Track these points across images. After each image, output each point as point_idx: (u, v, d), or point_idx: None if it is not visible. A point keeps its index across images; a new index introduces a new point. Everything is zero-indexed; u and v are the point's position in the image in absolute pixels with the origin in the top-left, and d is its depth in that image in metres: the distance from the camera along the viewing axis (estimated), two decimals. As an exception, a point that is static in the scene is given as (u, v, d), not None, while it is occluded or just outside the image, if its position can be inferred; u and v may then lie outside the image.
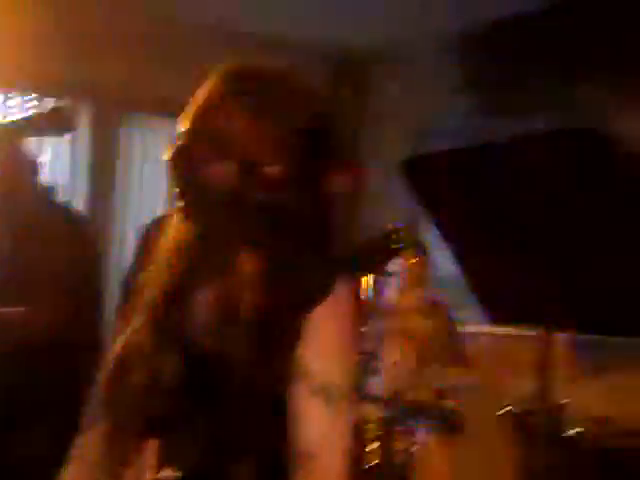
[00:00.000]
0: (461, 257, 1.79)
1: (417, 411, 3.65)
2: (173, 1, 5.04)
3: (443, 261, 2.05)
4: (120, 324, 2.43)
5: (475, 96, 5.37)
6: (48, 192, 3.23)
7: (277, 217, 1.58)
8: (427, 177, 1.68)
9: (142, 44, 5.15)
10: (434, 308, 3.39)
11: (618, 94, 4.57)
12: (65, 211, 3.31)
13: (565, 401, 2.39)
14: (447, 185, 1.67)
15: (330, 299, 1.57)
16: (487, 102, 5.32)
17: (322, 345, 1.58)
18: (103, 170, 5.37)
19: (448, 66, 5.48)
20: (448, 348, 3.41)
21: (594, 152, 1.41)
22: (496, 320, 1.92)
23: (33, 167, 3.09)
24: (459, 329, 3.52)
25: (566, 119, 4.80)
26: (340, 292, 1.58)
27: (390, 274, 3.09)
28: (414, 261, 3.22)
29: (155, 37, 5.18)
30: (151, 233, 3.39)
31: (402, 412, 3.45)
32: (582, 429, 2.41)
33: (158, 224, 3.24)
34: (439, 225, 1.77)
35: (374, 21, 5.22)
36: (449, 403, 3.67)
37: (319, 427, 1.60)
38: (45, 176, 3.47)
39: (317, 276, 1.58)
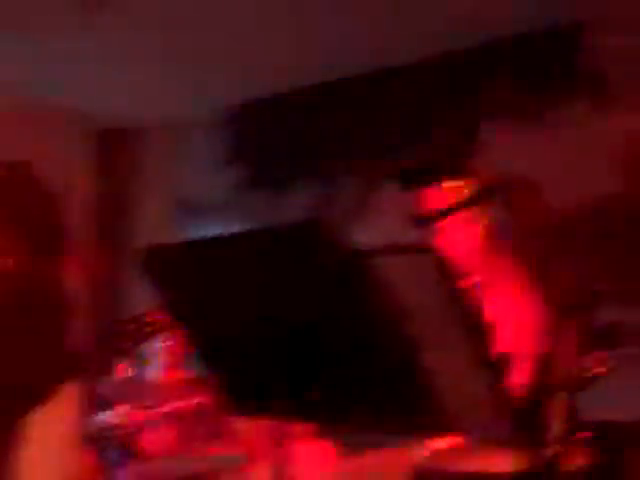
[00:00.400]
0: (199, 347, 1.78)
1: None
2: None
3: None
4: None
5: (242, 170, 5.43)
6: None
7: (9, 308, 1.52)
8: (163, 268, 1.66)
9: None
10: (196, 385, 3.35)
11: (375, 179, 4.77)
12: None
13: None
14: (182, 277, 1.66)
15: (57, 400, 1.50)
16: (254, 176, 5.40)
17: (43, 448, 1.51)
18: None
19: (216, 140, 5.52)
20: (213, 424, 3.37)
21: (320, 245, 1.43)
22: (237, 411, 1.90)
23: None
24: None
25: (326, 196, 4.99)
26: (68, 394, 1.53)
27: (148, 355, 3.04)
28: (171, 342, 3.19)
29: None
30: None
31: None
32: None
33: None
34: (177, 315, 1.75)
35: (146, 92, 5.19)
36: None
37: None
38: None
39: (45, 374, 1.52)
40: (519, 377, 2.21)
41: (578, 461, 1.89)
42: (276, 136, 5.30)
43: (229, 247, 1.60)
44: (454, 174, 2.40)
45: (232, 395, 1.80)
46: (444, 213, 2.36)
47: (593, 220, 3.90)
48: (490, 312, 2.38)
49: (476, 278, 2.39)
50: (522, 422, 1.49)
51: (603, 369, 2.16)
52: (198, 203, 5.47)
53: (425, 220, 2.41)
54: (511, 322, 2.36)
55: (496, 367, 1.50)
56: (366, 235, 4.62)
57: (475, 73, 4.56)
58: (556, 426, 1.68)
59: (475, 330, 1.41)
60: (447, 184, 2.39)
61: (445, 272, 1.35)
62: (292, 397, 1.67)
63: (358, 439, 2.03)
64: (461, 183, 2.39)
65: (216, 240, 1.63)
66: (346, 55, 4.60)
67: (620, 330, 1.98)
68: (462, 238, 2.38)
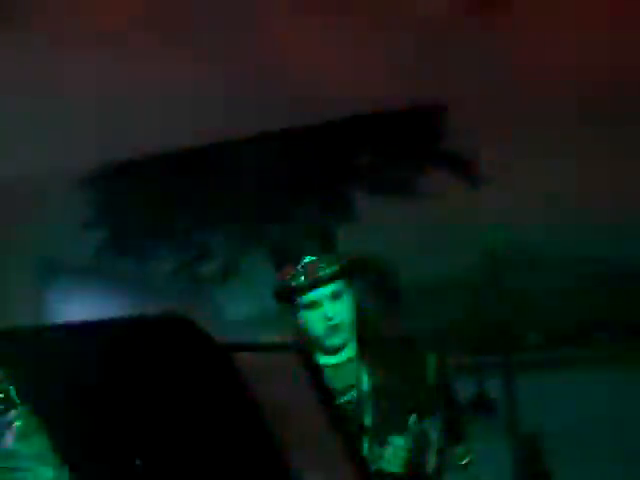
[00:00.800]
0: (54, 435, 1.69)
1: None
2: None
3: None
4: None
5: (105, 233, 5.32)
6: None
7: None
8: (11, 353, 1.58)
9: None
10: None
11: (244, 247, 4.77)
12: None
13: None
14: (31, 363, 1.58)
15: None
16: (117, 240, 5.30)
17: None
18: None
19: (80, 202, 5.39)
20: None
21: (187, 340, 1.39)
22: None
23: None
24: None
25: (193, 262, 4.95)
26: None
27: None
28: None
29: None
30: None
31: None
32: None
33: None
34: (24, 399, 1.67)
35: (10, 150, 5.03)
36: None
37: None
38: None
39: None
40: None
41: None
42: (140, 200, 5.22)
43: (83, 334, 1.54)
44: (320, 250, 2.39)
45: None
46: (306, 288, 2.34)
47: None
48: (363, 387, 2.40)
49: (344, 354, 2.39)
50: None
51: (467, 460, 2.19)
52: (60, 265, 5.31)
53: (288, 295, 2.39)
54: (383, 398, 2.37)
55: (363, 461, 1.48)
56: (234, 303, 4.60)
57: (343, 147, 4.65)
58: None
59: (342, 428, 1.39)
60: (311, 260, 2.37)
61: (312, 372, 1.32)
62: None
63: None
64: (325, 259, 2.38)
65: (70, 327, 1.57)
66: (217, 120, 4.60)
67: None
68: (327, 314, 2.36)
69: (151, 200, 5.15)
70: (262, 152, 4.82)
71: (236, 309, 4.70)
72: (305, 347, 1.45)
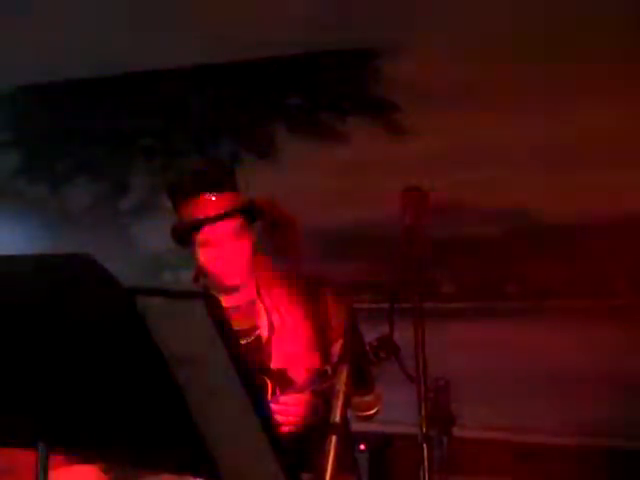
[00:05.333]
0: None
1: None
2: None
3: None
4: None
5: (14, 158, 5.17)
6: None
7: None
8: None
9: None
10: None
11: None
12: None
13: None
14: None
15: None
16: (26, 165, 5.15)
17: None
18: None
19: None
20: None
21: (87, 277, 1.34)
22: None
23: None
24: None
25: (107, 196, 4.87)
26: None
27: None
28: None
29: None
30: None
31: None
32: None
33: None
34: None
35: None
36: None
37: None
38: None
39: None
40: (290, 403, 2.21)
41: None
42: (56, 124, 5.08)
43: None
44: (224, 188, 2.32)
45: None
46: (206, 222, 2.27)
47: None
48: (263, 329, 2.36)
49: (244, 295, 2.36)
50: (292, 466, 1.46)
51: (374, 410, 2.20)
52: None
53: (184, 232, 2.32)
54: (286, 338, 2.35)
55: (267, 412, 1.46)
56: (153, 236, 4.54)
57: (268, 84, 4.60)
58: (328, 468, 1.68)
59: (248, 378, 1.36)
60: (214, 196, 2.30)
61: (217, 320, 1.29)
62: (51, 429, 1.58)
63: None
64: (229, 197, 2.31)
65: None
66: (136, 49, 4.49)
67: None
68: (226, 252, 2.30)
69: (68, 125, 5.02)
70: (183, 86, 4.74)
71: (152, 243, 4.64)
72: (212, 293, 1.41)
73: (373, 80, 4.39)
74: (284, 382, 2.28)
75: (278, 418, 2.16)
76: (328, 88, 4.52)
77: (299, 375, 2.27)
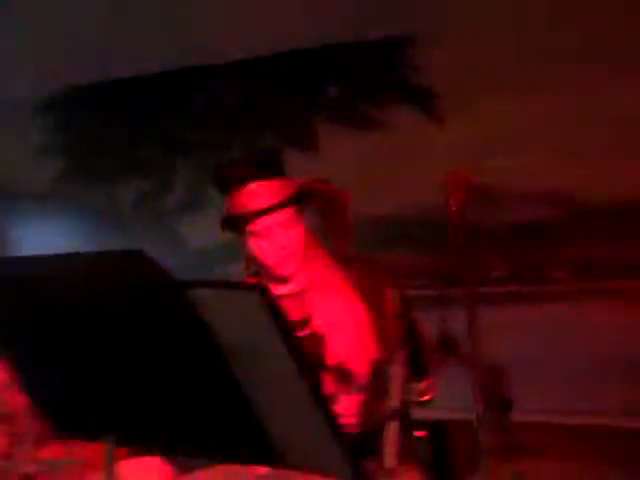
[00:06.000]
0: (22, 371, 1.68)
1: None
2: None
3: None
4: None
5: (62, 160, 5.24)
6: None
7: None
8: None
9: None
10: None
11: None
12: None
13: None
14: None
15: None
16: (75, 167, 5.22)
17: None
18: None
19: (34, 130, 5.29)
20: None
21: (141, 273, 1.35)
22: (62, 429, 1.81)
23: None
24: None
25: (153, 195, 4.91)
26: None
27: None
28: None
29: None
30: None
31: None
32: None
33: None
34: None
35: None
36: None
37: None
38: None
39: None
40: (351, 403, 2.18)
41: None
42: (101, 126, 5.14)
43: (45, 267, 1.50)
44: (272, 174, 2.29)
45: (54, 418, 1.71)
46: (257, 214, 2.25)
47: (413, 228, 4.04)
48: (318, 321, 2.33)
49: (297, 284, 2.32)
50: (355, 451, 1.46)
51: (429, 396, 2.18)
52: (17, 190, 5.23)
53: (235, 224, 2.29)
54: (340, 330, 2.31)
55: (327, 400, 1.46)
56: (200, 232, 4.57)
57: (306, 77, 4.60)
58: (389, 453, 1.67)
59: (304, 366, 1.37)
60: (263, 184, 2.27)
61: (272, 311, 1.29)
62: (116, 422, 1.61)
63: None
64: (279, 184, 2.28)
65: (32, 260, 1.52)
66: (172, 48, 4.52)
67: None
68: (278, 242, 2.27)
69: (113, 126, 5.07)
70: (223, 82, 4.76)
71: (200, 239, 4.67)
72: (265, 284, 1.41)
73: (409, 68, 4.38)
74: (342, 377, 2.24)
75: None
76: (365, 78, 4.52)
77: (357, 368, 2.23)
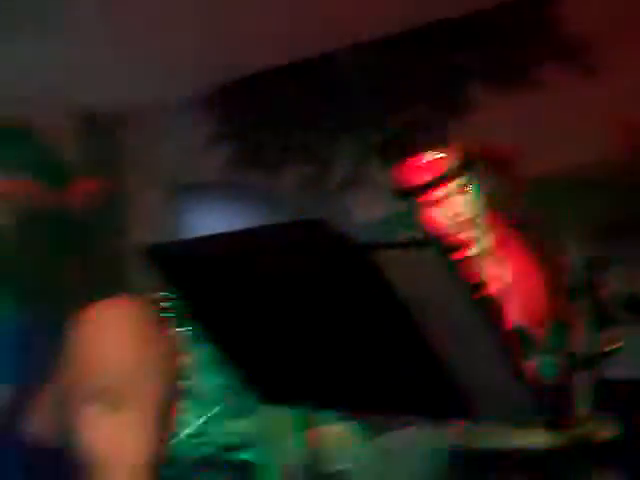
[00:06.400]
0: (216, 339, 1.77)
1: (209, 465, 3.62)
2: None
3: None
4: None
5: (229, 150, 5.42)
6: None
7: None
8: (169, 263, 1.64)
9: None
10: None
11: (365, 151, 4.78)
12: None
13: (338, 467, 2.43)
14: (190, 271, 1.65)
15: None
16: (241, 155, 5.39)
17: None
18: None
19: (202, 120, 5.50)
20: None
21: (326, 243, 1.42)
22: (263, 400, 1.91)
23: None
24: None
25: (316, 177, 5.00)
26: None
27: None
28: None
29: None
30: None
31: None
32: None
33: None
34: (190, 307, 1.75)
35: (130, 75, 5.15)
36: (242, 456, 3.65)
37: (101, 433, 1.51)
38: None
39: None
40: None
41: (606, 434, 1.88)
42: (263, 114, 5.28)
43: (234, 244, 1.59)
44: (437, 144, 2.32)
45: (257, 385, 1.80)
46: (429, 185, 2.28)
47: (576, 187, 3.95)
48: (497, 283, 2.34)
49: (471, 250, 2.33)
50: (547, 401, 1.48)
51: (620, 343, 2.15)
52: (189, 184, 5.46)
53: (409, 193, 2.33)
54: (520, 292, 2.31)
55: (514, 350, 1.48)
56: (360, 209, 4.63)
57: (458, 39, 4.58)
58: (582, 402, 1.67)
59: (487, 317, 1.39)
60: (431, 155, 2.31)
61: (449, 265, 1.33)
62: (314, 386, 1.68)
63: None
64: (445, 153, 2.31)
65: (220, 237, 1.61)
66: (330, 28, 4.58)
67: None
68: (451, 209, 2.29)
69: (275, 113, 5.20)
70: (384, 54, 4.79)
71: (365, 213, 4.73)
72: (440, 241, 1.44)
73: (561, 23, 4.28)
74: (523, 342, 2.23)
75: None
76: (514, 37, 4.44)
77: (535, 330, 2.22)
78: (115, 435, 1.52)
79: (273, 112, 5.24)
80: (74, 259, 1.70)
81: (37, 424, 1.57)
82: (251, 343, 1.77)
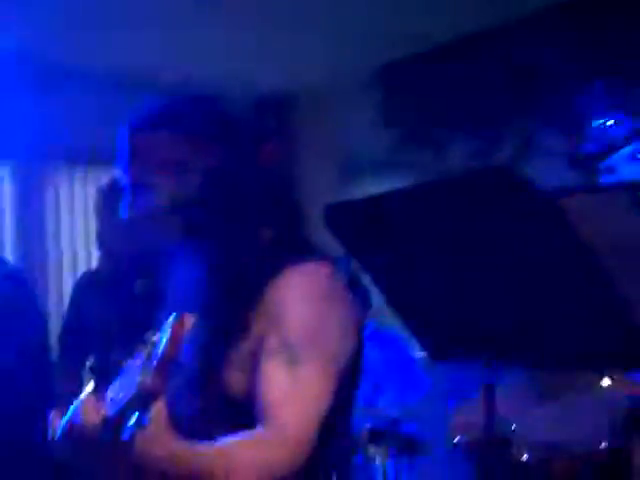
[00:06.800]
0: (391, 298, 1.81)
1: (375, 438, 3.67)
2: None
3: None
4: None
5: (397, 130, 5.45)
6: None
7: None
8: (349, 223, 1.70)
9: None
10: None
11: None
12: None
13: (513, 428, 2.43)
14: (370, 231, 1.69)
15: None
16: (409, 136, 5.41)
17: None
18: (32, 225, 5.28)
19: (370, 101, 5.56)
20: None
21: (511, 190, 1.43)
22: (436, 355, 1.93)
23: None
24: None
25: (485, 152, 4.95)
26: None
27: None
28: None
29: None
30: (82, 287, 3.37)
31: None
32: (531, 455, 2.45)
33: (89, 277, 3.21)
34: (366, 267, 1.79)
35: (300, 59, 5.28)
36: (407, 429, 3.70)
37: (279, 387, 1.60)
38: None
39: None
40: None
41: None
42: (430, 93, 5.29)
43: (415, 199, 1.62)
44: (611, 111, 2.28)
45: (433, 342, 1.83)
46: (607, 151, 2.24)
47: None
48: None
49: None
50: None
51: None
52: (358, 163, 5.54)
53: (589, 160, 2.30)
54: None
55: None
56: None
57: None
58: None
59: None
60: (604, 122, 2.27)
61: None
62: (490, 340, 1.69)
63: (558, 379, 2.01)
64: (617, 121, 2.26)
65: (401, 193, 1.65)
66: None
67: None
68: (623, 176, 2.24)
69: (442, 92, 5.20)
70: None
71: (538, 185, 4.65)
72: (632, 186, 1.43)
73: None
74: None
75: None
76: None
77: None
78: (294, 389, 1.59)
79: (441, 88, 5.22)
80: (267, 220, 1.79)
81: (230, 376, 1.67)
82: (427, 299, 1.79)
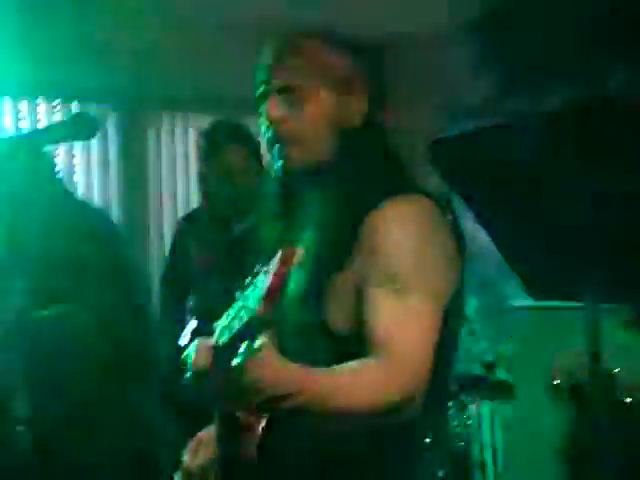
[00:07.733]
0: (496, 235, 1.80)
1: (469, 384, 3.69)
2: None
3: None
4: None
5: (495, 76, 5.39)
6: (68, 192, 3.29)
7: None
8: (454, 158, 1.70)
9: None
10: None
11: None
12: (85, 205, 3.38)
13: (616, 370, 2.41)
14: (475, 165, 1.69)
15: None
16: (507, 81, 5.34)
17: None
18: (134, 171, 5.40)
19: (468, 47, 5.49)
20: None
21: (622, 120, 1.41)
22: (538, 296, 1.92)
23: (53, 172, 3.12)
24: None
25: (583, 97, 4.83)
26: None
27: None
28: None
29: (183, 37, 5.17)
30: (183, 229, 3.45)
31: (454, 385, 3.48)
32: (634, 397, 2.43)
33: (189, 220, 3.28)
34: (470, 205, 1.78)
35: (396, 7, 5.24)
36: (499, 375, 3.70)
37: (391, 316, 1.61)
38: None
39: None
40: None
41: None
42: (529, 39, 5.20)
43: (521, 132, 1.61)
44: None
45: (533, 281, 1.82)
46: None
47: None
48: None
49: None
50: None
51: None
52: (457, 110, 5.51)
53: None
54: None
55: None
56: None
57: None
58: None
59: None
60: None
61: None
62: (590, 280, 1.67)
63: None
64: None
65: (505, 126, 1.64)
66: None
67: None
68: None
69: (537, 37, 5.10)
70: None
71: None
72: None
73: None
74: None
75: None
76: None
77: None
78: (399, 320, 1.60)
79: (537, 37, 5.13)
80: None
81: (333, 312, 1.69)
82: (529, 237, 1.78)
